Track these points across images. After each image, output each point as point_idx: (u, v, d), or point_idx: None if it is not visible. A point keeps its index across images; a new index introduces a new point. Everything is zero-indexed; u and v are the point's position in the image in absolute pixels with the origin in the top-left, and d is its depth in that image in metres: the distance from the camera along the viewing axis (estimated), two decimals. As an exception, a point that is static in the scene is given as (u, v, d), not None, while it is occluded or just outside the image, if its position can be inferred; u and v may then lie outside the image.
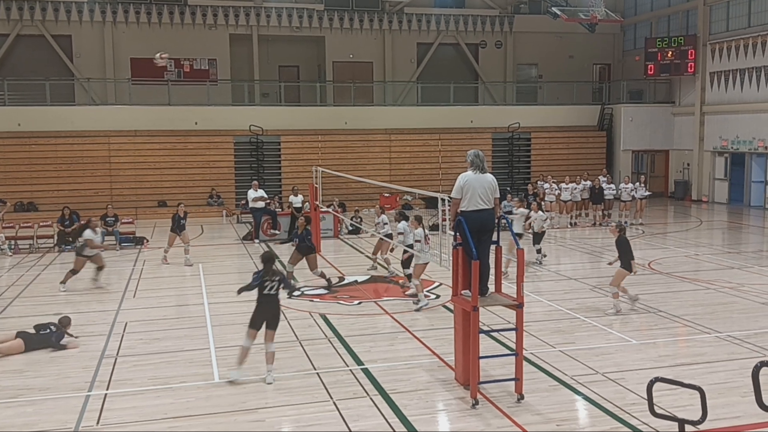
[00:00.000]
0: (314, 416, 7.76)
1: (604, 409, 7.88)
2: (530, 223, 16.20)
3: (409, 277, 13.54)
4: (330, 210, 20.54)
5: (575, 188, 23.16)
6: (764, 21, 27.12)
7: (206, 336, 10.98)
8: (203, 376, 9.10)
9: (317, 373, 9.11)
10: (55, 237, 19.81)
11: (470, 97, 33.55)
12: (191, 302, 13.55)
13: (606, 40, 35.14)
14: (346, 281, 15.04)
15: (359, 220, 22.56)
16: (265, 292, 8.83)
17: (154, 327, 11.60)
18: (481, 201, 8.34)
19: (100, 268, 14.54)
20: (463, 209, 8.36)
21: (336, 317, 11.95)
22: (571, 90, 33.30)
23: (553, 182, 23.90)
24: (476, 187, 8.34)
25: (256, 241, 20.35)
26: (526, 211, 16.13)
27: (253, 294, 8.92)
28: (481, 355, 8.11)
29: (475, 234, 8.20)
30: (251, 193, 20.85)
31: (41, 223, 20.44)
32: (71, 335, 10.64)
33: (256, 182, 21.81)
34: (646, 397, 6.05)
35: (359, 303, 13.05)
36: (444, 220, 11.06)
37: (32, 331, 10.43)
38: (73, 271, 14.35)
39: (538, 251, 16.46)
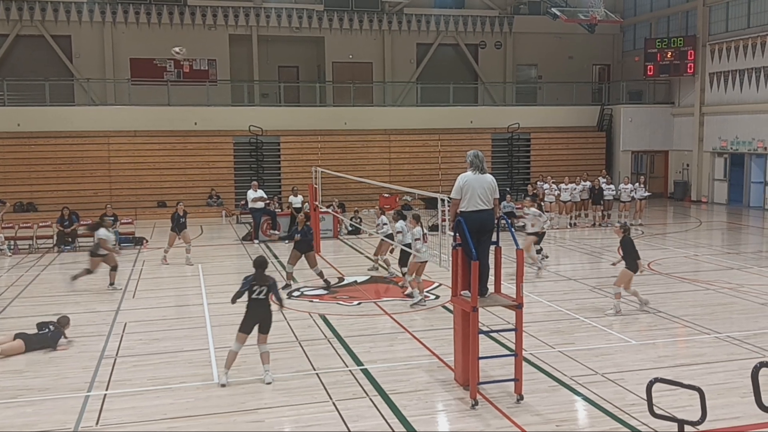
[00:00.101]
0: (314, 417, 7.77)
1: (604, 410, 7.88)
2: (533, 224, 16.17)
3: (404, 274, 13.55)
4: (329, 210, 20.55)
5: (575, 189, 23.14)
6: (763, 22, 27.13)
7: (206, 336, 10.98)
8: (203, 376, 9.10)
9: (317, 374, 9.11)
10: (55, 237, 19.79)
11: (470, 98, 33.54)
12: (191, 303, 13.55)
13: (605, 41, 35.15)
14: (345, 282, 15.04)
15: (359, 220, 22.56)
16: (254, 296, 8.81)
17: (154, 327, 11.60)
18: (481, 201, 8.34)
19: (113, 268, 14.52)
20: (462, 210, 8.36)
21: (335, 318, 11.95)
22: (570, 90, 33.31)
23: (553, 183, 23.86)
24: (476, 188, 8.34)
25: (256, 241, 20.34)
26: (538, 211, 16.08)
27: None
28: (480, 355, 8.10)
29: (475, 234, 8.20)
30: (251, 194, 20.85)
31: (41, 224, 20.45)
32: (66, 337, 10.61)
33: (255, 183, 21.80)
34: (645, 397, 6.05)
35: (359, 303, 13.06)
36: (444, 220, 11.06)
37: (34, 330, 10.43)
38: (88, 271, 14.32)
39: (539, 251, 16.44)
